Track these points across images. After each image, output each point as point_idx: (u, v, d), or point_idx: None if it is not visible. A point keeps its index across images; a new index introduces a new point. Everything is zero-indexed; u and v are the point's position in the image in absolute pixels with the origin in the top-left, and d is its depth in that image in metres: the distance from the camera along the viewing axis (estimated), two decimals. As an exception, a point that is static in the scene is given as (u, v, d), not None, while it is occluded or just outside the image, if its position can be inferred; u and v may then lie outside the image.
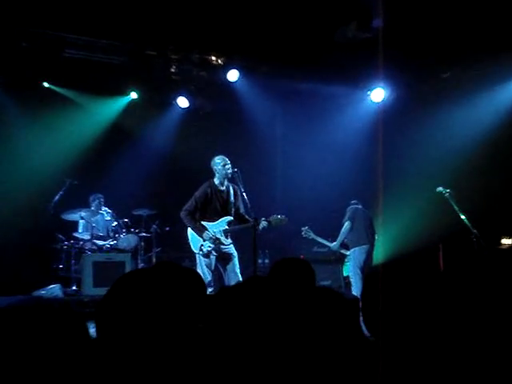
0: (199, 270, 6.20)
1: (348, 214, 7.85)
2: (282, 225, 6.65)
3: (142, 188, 9.74)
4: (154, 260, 9.01)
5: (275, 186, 10.56)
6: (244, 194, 6.36)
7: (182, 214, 6.50)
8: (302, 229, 7.94)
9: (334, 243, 7.85)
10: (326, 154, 9.87)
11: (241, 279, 6.32)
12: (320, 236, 8.16)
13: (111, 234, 8.97)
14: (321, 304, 1.84)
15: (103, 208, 9.09)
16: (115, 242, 8.79)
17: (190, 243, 6.58)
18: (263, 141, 10.19)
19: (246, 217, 6.57)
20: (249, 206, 6.28)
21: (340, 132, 9.66)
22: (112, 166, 9.79)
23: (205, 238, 6.35)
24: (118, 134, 9.78)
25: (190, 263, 7.98)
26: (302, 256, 8.39)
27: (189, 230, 6.60)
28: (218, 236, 6.36)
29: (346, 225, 7.68)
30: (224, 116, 10.05)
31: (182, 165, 10.02)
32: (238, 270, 6.49)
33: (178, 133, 10.09)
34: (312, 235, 8.04)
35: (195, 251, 6.53)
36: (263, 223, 6.34)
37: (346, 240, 7.83)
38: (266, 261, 9.34)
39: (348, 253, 7.89)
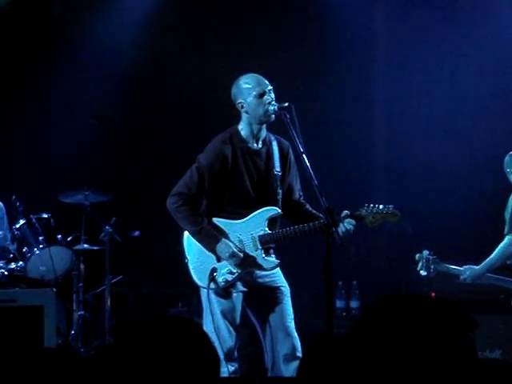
0: (208, 327, 4.81)
1: None
2: (389, 223, 5.19)
3: (80, 149, 7.92)
4: (108, 303, 7.14)
5: (370, 149, 8.73)
6: (305, 157, 4.71)
7: (172, 202, 4.98)
8: (419, 256, 6.15)
9: (476, 267, 6.20)
10: (465, 95, 8.15)
11: (298, 345, 4.84)
12: (455, 261, 6.39)
13: (11, 248, 6.99)
14: None
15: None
16: (21, 264, 6.88)
17: (189, 266, 5.03)
18: (347, 57, 8.34)
19: (309, 208, 5.09)
20: (316, 183, 4.60)
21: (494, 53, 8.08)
22: (17, 104, 8.12)
23: (221, 254, 4.94)
24: (34, 36, 8.07)
25: (186, 311, 7.31)
26: (432, 293, 6.85)
27: (185, 236, 5.09)
28: (249, 251, 4.96)
29: (511, 239, 6.06)
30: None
31: (166, 97, 8.34)
32: (290, 324, 4.91)
33: (158, 30, 8.34)
34: (440, 266, 6.20)
35: (199, 284, 5.00)
36: (347, 223, 4.77)
37: (510, 262, 6.30)
38: (354, 303, 7.62)
39: None
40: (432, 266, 6.16)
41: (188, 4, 8.54)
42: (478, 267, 6.15)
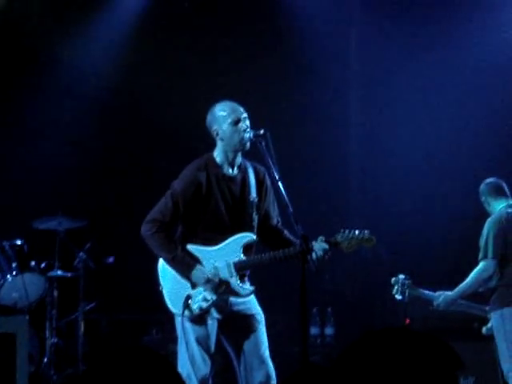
0: (182, 355, 4.81)
1: (491, 239, 5.96)
2: (364, 248, 5.05)
3: (54, 175, 7.97)
4: (81, 330, 7.17)
5: (344, 170, 8.84)
6: (280, 183, 4.64)
7: (146, 229, 4.88)
8: (394, 280, 6.16)
9: (449, 293, 6.15)
10: (441, 105, 8.30)
11: (272, 373, 4.77)
12: (431, 286, 6.42)
13: None
14: None
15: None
16: None
17: (163, 293, 4.95)
18: (320, 75, 8.44)
19: (287, 234, 5.02)
20: (291, 210, 4.51)
21: (471, 62, 8.19)
22: None
23: (196, 280, 4.87)
24: (7, 62, 8.00)
25: (161, 338, 7.19)
26: (407, 320, 6.96)
27: (159, 263, 4.99)
28: (224, 277, 4.86)
29: (485, 265, 5.95)
30: (237, 11, 8.29)
31: (141, 122, 8.33)
32: (265, 352, 4.82)
33: (133, 50, 8.31)
34: (415, 291, 6.20)
35: (174, 311, 4.89)
36: (319, 247, 4.67)
37: (482, 290, 6.27)
38: (329, 329, 7.64)
39: (490, 315, 6.28)
40: (407, 291, 6.15)
41: (163, 23, 8.40)
42: (451, 293, 6.15)
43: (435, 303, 6.22)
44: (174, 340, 5.32)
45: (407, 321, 6.80)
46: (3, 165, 8.00)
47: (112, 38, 8.40)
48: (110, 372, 1.86)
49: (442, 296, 6.17)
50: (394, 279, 6.13)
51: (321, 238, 4.68)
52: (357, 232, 4.82)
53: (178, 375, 1.94)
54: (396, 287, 6.13)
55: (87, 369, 2.10)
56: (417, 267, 7.21)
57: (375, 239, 4.88)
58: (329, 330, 7.70)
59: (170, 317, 5.30)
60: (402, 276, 6.12)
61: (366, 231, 4.87)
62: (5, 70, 8.08)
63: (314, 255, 4.60)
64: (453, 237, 7.74)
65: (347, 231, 4.82)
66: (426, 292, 6.25)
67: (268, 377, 4.57)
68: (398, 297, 6.14)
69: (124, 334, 7.28)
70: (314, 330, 7.55)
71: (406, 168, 8.38)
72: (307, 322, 4.91)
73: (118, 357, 1.91)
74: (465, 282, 6.21)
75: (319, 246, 4.69)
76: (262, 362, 4.82)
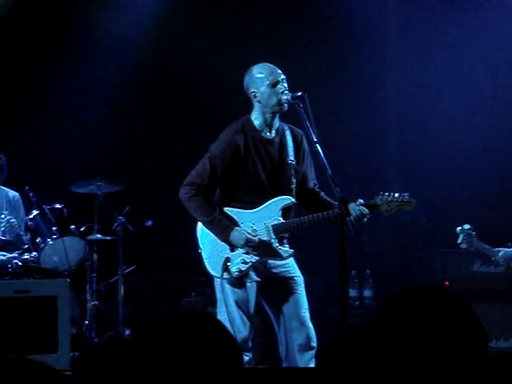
0: (221, 317, 4.73)
1: None
2: (403, 211, 5.05)
3: (93, 139, 7.89)
4: (121, 293, 7.11)
5: (384, 139, 8.62)
6: (318, 146, 4.68)
7: (184, 191, 4.93)
8: (460, 229, 5.99)
9: (508, 250, 6.11)
10: (482, 88, 8.08)
11: (313, 336, 4.83)
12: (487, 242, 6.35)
13: (25, 239, 6.87)
14: None
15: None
16: (35, 254, 6.77)
17: (202, 255, 4.99)
18: (361, 44, 8.28)
19: (324, 197, 5.04)
20: (329, 172, 4.56)
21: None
22: (29, 96, 8.06)
23: (235, 241, 4.87)
24: (44, 28, 7.96)
25: (200, 301, 7.26)
26: (446, 282, 6.82)
27: (198, 226, 5.03)
28: (263, 239, 4.89)
29: None
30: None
31: (177, 87, 8.21)
32: (305, 314, 4.88)
33: (169, 19, 8.23)
34: (477, 243, 6.08)
35: (213, 273, 4.96)
36: (358, 210, 4.68)
37: None
38: (367, 292, 7.62)
39: None
40: (472, 240, 6.15)
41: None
42: (510, 249, 6.13)
43: (493, 258, 6.26)
44: (214, 303, 5.31)
45: (446, 283, 6.71)
46: (42, 130, 8.07)
47: (148, 9, 8.36)
48: (162, 337, 1.84)
49: (501, 252, 6.19)
50: (459, 229, 6.08)
51: (360, 200, 4.69)
52: (396, 195, 4.81)
53: (229, 334, 1.94)
54: (461, 236, 6.09)
55: (135, 333, 1.98)
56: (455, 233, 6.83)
57: (415, 202, 4.86)
58: (367, 293, 7.71)
59: (209, 279, 5.35)
60: (467, 226, 6.07)
61: (405, 194, 4.86)
62: (41, 41, 8.10)
63: (352, 218, 4.60)
64: (495, 200, 7.68)
65: (386, 194, 4.83)
66: (486, 246, 6.22)
67: (308, 339, 4.61)
68: (464, 246, 6.11)
69: (163, 296, 7.33)
70: (352, 293, 7.53)
71: (443, 134, 8.10)
72: (346, 283, 4.75)
73: (169, 321, 1.88)
74: None
75: (358, 208, 4.70)
76: (302, 324, 4.87)
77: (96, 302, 7.05)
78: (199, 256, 5.08)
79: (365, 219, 4.80)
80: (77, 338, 6.16)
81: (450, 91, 8.29)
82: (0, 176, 7.16)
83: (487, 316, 6.20)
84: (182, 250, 6.70)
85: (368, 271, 7.70)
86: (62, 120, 8.10)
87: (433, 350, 1.88)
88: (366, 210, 4.77)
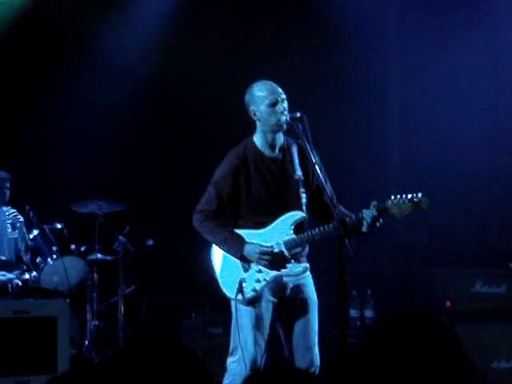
0: (234, 339, 4.77)
1: None
2: (403, 232, 6.49)
3: (93, 158, 8.02)
4: (121, 313, 7.15)
5: (385, 146, 8.55)
6: (317, 167, 4.68)
7: (196, 219, 4.92)
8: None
9: None
10: (485, 93, 8.00)
11: (316, 361, 4.78)
12: (470, 269, 7.11)
13: (25, 259, 6.92)
14: None
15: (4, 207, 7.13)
16: (35, 274, 6.80)
17: (218, 280, 4.87)
18: (359, 55, 8.27)
19: (342, 209, 4.82)
20: (328, 194, 4.62)
21: None
22: (30, 112, 8.02)
23: (249, 254, 4.78)
24: (43, 40, 8.03)
25: (200, 321, 6.77)
26: (447, 302, 6.83)
27: (212, 251, 4.95)
28: (279, 251, 4.83)
29: None
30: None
31: (180, 106, 8.17)
32: (313, 339, 4.81)
33: (170, 36, 8.26)
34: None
35: (228, 296, 4.86)
36: (369, 215, 4.53)
37: None
38: (368, 312, 7.48)
39: None
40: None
41: (201, 9, 8.39)
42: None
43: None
44: (214, 323, 5.42)
45: (448, 303, 6.72)
46: (43, 149, 8.03)
47: (149, 22, 8.33)
48: (137, 359, 1.88)
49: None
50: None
51: (374, 203, 4.66)
52: (409, 195, 4.71)
53: (207, 371, 1.98)
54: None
55: (115, 354, 2.03)
56: (457, 252, 7.21)
57: (428, 201, 4.75)
58: (368, 313, 7.56)
59: (208, 299, 5.54)
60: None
61: (419, 193, 4.77)
62: (41, 56, 8.11)
63: (364, 223, 4.60)
64: (496, 219, 7.43)
65: (398, 196, 4.73)
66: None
67: (311, 364, 4.63)
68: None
69: (164, 316, 7.20)
70: (353, 313, 7.45)
71: (446, 145, 7.97)
72: (343, 303, 4.64)
73: (145, 345, 1.94)
74: None
75: (368, 213, 4.65)
76: (308, 348, 4.86)
77: (96, 322, 7.04)
78: (215, 281, 5.08)
79: (377, 223, 4.70)
80: (77, 358, 6.12)
81: (452, 95, 8.15)
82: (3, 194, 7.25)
83: (488, 336, 6.52)
84: (183, 270, 6.64)
85: (369, 291, 7.57)
86: (62, 139, 8.07)
87: (415, 378, 1.90)
88: (376, 214, 4.72)
